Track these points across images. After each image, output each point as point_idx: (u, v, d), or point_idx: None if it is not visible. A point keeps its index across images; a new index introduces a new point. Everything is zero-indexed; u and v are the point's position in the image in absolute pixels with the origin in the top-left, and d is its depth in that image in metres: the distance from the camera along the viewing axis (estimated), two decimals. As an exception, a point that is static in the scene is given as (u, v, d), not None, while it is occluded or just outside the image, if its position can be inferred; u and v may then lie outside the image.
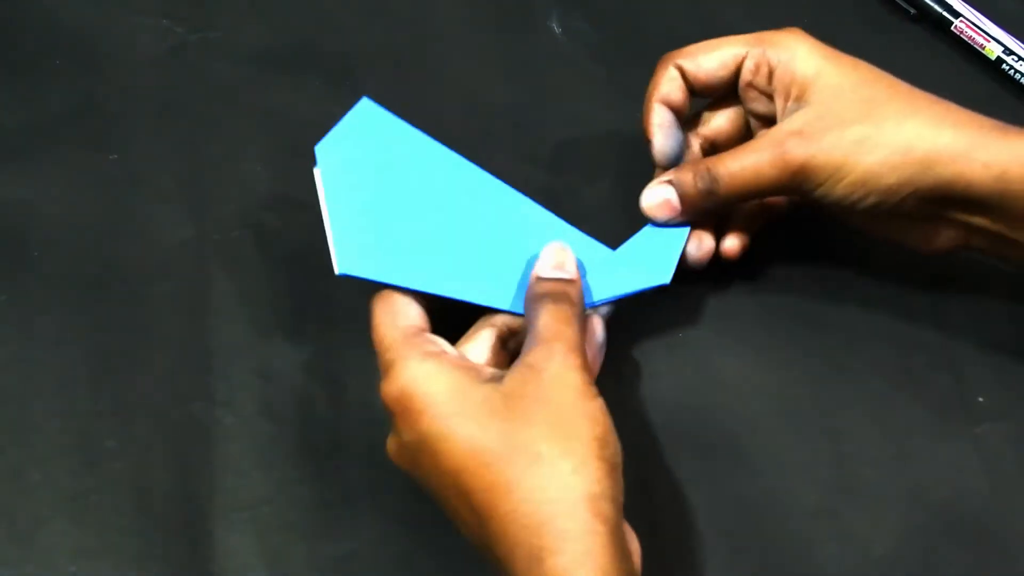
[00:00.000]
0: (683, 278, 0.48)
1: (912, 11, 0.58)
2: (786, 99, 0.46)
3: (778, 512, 0.45)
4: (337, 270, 0.42)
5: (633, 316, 0.48)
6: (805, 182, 0.44)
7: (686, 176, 0.46)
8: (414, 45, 0.56)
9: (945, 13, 0.58)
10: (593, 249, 0.47)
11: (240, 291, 0.49)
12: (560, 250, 0.44)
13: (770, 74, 0.46)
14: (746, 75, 0.47)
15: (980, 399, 0.48)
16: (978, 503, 0.45)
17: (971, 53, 0.57)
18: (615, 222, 0.51)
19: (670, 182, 0.46)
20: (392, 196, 0.45)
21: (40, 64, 0.54)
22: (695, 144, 0.49)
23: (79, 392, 0.46)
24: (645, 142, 0.48)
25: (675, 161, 0.48)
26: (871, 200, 0.44)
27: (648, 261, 0.47)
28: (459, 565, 0.44)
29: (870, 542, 0.45)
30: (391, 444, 0.41)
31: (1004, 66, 0.56)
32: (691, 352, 0.48)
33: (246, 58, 0.55)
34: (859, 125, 0.43)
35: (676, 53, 0.48)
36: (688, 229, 0.47)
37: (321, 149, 0.44)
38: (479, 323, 0.44)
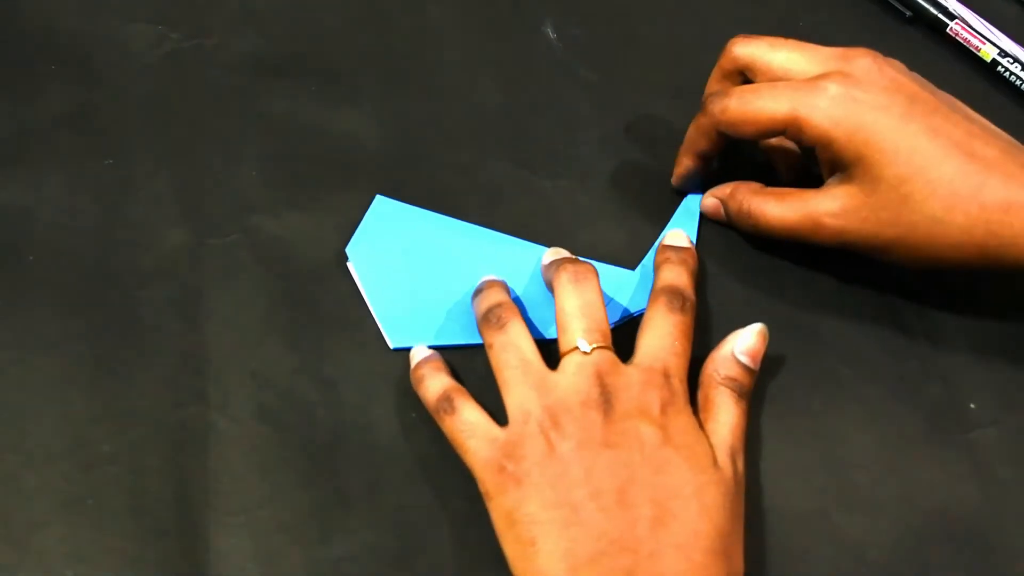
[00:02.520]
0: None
1: (908, 13, 0.58)
2: (828, 167, 0.46)
3: (772, 518, 0.45)
4: (391, 346, 0.48)
5: (628, 326, 0.49)
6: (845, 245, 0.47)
7: (732, 203, 0.49)
8: (408, 51, 0.56)
9: (940, 15, 0.58)
10: (611, 273, 0.50)
11: (235, 295, 0.49)
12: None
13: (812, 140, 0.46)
14: (787, 138, 0.47)
15: (972, 406, 0.48)
16: (970, 508, 0.45)
17: (966, 55, 0.57)
18: (609, 227, 0.51)
19: (721, 199, 0.50)
20: (419, 271, 0.50)
21: (35, 70, 0.54)
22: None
23: (74, 396, 0.46)
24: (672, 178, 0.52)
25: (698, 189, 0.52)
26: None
27: None
28: (455, 568, 0.44)
29: (864, 547, 0.45)
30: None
31: (999, 68, 0.56)
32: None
33: (241, 64, 0.55)
34: (895, 228, 0.45)
35: (715, 109, 0.47)
36: (698, 214, 0.52)
37: (351, 249, 0.50)
38: None
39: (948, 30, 0.57)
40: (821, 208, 0.46)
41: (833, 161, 0.45)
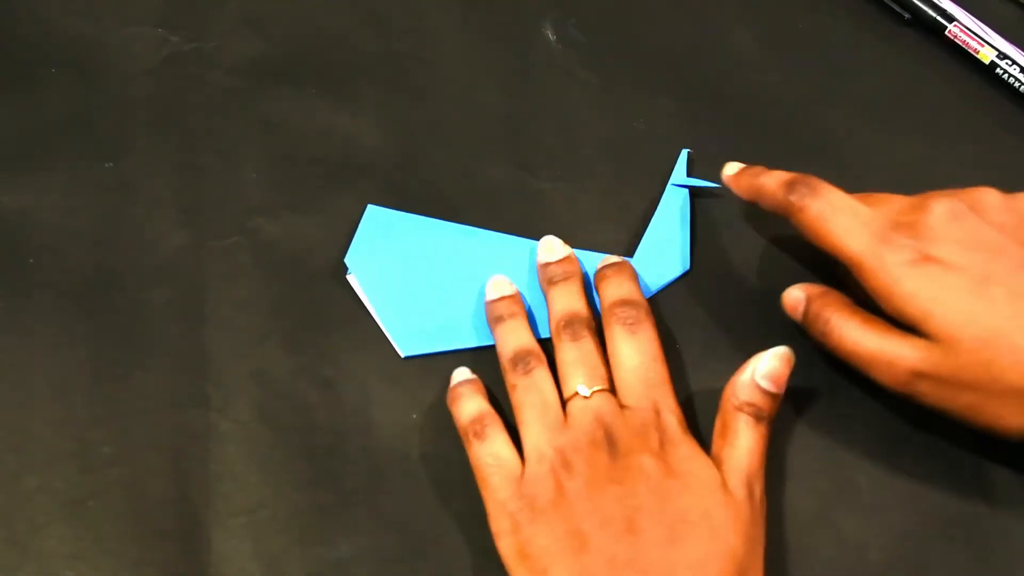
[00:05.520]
0: (681, 290, 0.49)
1: (906, 16, 0.58)
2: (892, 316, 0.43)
3: (774, 518, 0.45)
4: (402, 355, 0.48)
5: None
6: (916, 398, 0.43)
7: (814, 306, 0.46)
8: (408, 54, 0.56)
9: (939, 18, 0.58)
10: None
11: (235, 297, 0.49)
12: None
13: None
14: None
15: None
16: (972, 508, 0.45)
17: (965, 57, 0.57)
18: (608, 228, 0.52)
19: (808, 297, 0.46)
20: (420, 277, 0.50)
21: (35, 73, 0.54)
22: None
23: (75, 398, 0.46)
24: None
25: None
26: None
27: (664, 256, 0.51)
28: (457, 568, 0.44)
29: (866, 547, 0.45)
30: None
31: (998, 70, 0.56)
32: (688, 361, 0.48)
33: (241, 67, 0.55)
34: (975, 393, 0.41)
35: (796, 201, 0.45)
36: (689, 217, 0.51)
37: (350, 259, 0.50)
38: None
39: (946, 32, 0.57)
40: (901, 351, 0.42)
41: (896, 315, 0.42)
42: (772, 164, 0.53)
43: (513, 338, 0.47)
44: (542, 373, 0.45)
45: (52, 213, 0.50)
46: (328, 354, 0.48)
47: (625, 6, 0.58)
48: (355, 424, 0.46)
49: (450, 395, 0.46)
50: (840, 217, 0.44)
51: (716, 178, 0.52)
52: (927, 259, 0.41)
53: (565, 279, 0.48)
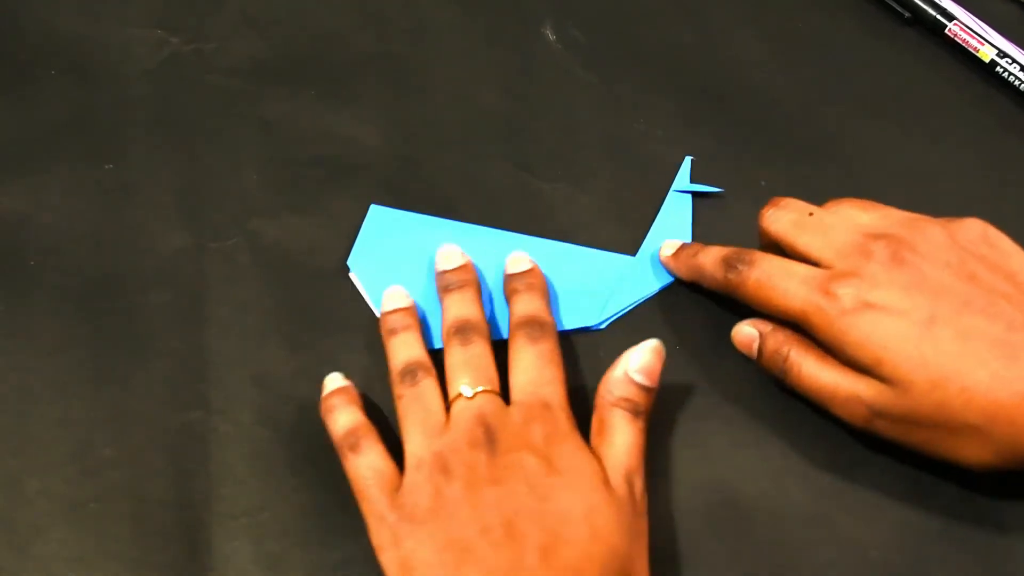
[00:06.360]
0: (681, 291, 0.49)
1: (906, 14, 0.58)
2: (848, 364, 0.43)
3: (772, 518, 0.45)
4: None
5: (630, 330, 0.49)
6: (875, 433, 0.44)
7: (770, 342, 0.46)
8: (408, 54, 0.56)
9: (939, 16, 0.58)
10: (614, 260, 0.51)
11: (236, 299, 0.49)
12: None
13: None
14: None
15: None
16: (974, 506, 0.45)
17: (965, 56, 0.57)
18: (609, 229, 0.52)
19: (760, 334, 0.46)
20: (422, 275, 0.49)
21: (35, 75, 0.54)
22: None
23: (76, 401, 0.46)
24: None
25: None
26: None
27: None
28: (455, 571, 0.44)
29: (866, 546, 0.45)
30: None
31: (998, 69, 0.56)
32: (688, 361, 0.48)
33: (240, 68, 0.55)
34: (930, 431, 0.42)
35: (734, 278, 0.45)
36: (691, 222, 0.51)
37: (353, 260, 0.50)
38: None
39: (947, 31, 0.57)
40: (857, 390, 0.42)
41: (850, 362, 0.43)
42: (772, 164, 0.53)
43: (404, 351, 0.46)
44: (429, 384, 0.45)
45: (52, 215, 0.50)
46: (328, 355, 0.48)
47: (625, 6, 0.58)
48: (355, 426, 0.46)
49: (322, 407, 0.45)
50: (778, 281, 0.44)
51: (716, 180, 0.52)
52: (870, 306, 0.42)
53: (460, 287, 0.47)
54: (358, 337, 0.48)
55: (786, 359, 0.45)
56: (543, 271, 0.49)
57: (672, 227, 0.51)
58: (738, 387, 0.48)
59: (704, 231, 0.51)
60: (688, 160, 0.53)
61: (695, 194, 0.52)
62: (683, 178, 0.53)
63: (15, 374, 0.47)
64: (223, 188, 0.52)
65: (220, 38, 0.56)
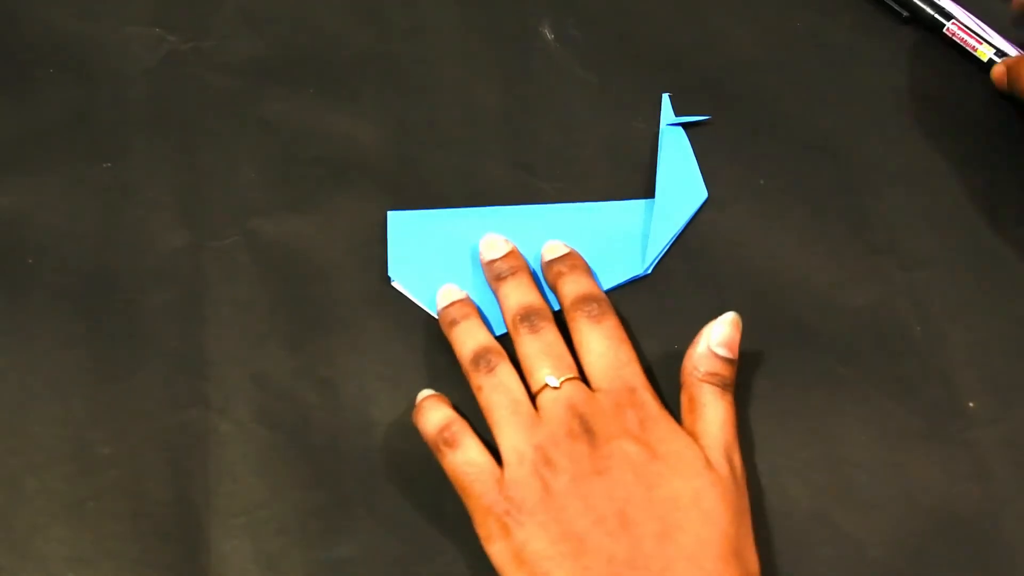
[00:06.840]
0: (678, 296, 0.50)
1: (904, 14, 0.58)
2: None
3: (772, 518, 0.45)
4: None
5: (629, 327, 0.49)
6: None
7: (1011, 75, 0.52)
8: (406, 53, 0.56)
9: (937, 16, 0.58)
10: (637, 207, 0.52)
11: (235, 298, 0.49)
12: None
13: None
14: None
15: (971, 404, 0.48)
16: (970, 507, 0.45)
17: (963, 55, 0.57)
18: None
19: (1007, 67, 0.53)
20: (461, 267, 0.50)
21: (33, 73, 0.54)
22: None
23: (75, 399, 0.46)
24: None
25: None
26: None
27: (683, 189, 0.52)
28: (454, 569, 0.44)
29: (864, 546, 0.45)
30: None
31: (996, 68, 0.56)
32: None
33: (239, 67, 0.55)
34: None
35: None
36: (691, 149, 0.53)
37: (393, 271, 0.50)
38: None
39: (945, 30, 0.57)
40: None
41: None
42: (772, 163, 0.53)
43: (470, 339, 0.46)
44: (506, 369, 0.45)
45: (51, 214, 0.50)
46: (327, 354, 0.48)
47: (623, 5, 0.58)
48: (354, 424, 0.46)
49: (414, 413, 0.45)
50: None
51: (716, 180, 0.52)
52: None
53: (513, 274, 0.48)
54: (357, 336, 0.48)
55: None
56: (573, 234, 0.50)
57: (675, 160, 0.53)
58: (737, 387, 0.48)
59: (704, 230, 0.51)
60: (666, 97, 0.54)
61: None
62: (667, 113, 0.54)
63: (14, 373, 0.47)
64: (222, 187, 0.52)
65: (219, 37, 0.56)
